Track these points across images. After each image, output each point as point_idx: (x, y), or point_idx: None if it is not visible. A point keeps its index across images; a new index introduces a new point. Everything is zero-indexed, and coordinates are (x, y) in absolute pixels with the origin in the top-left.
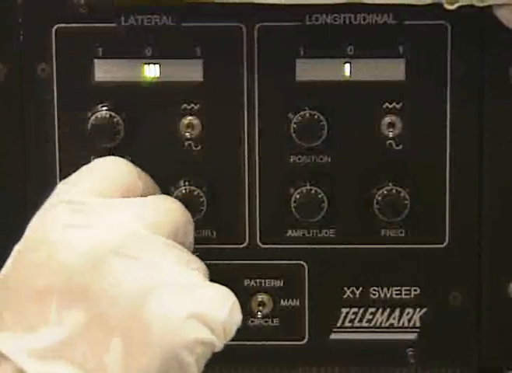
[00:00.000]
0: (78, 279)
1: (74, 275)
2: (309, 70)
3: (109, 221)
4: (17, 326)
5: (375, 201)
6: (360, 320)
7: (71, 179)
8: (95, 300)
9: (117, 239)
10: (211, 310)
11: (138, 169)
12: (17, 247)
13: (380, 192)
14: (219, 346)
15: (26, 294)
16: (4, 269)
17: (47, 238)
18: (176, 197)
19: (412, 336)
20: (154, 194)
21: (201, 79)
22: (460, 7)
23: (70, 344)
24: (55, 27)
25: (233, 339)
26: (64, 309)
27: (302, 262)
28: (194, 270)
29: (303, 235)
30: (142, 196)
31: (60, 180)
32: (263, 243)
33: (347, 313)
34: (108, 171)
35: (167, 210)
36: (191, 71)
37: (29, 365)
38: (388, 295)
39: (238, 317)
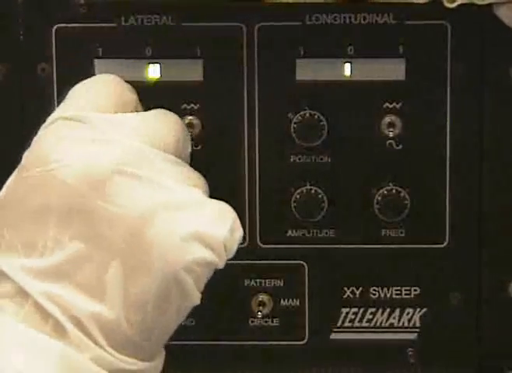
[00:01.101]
0: (77, 198)
1: (73, 194)
2: (309, 70)
3: (108, 137)
4: (17, 245)
5: (375, 201)
6: (360, 320)
7: (66, 98)
8: (95, 220)
9: (117, 156)
10: (211, 229)
11: (129, 85)
12: (18, 168)
13: (380, 192)
14: (220, 264)
15: (24, 213)
16: (3, 189)
17: (45, 155)
18: None
19: (412, 336)
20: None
21: (201, 79)
22: (460, 6)
23: (69, 264)
24: (55, 27)
25: (233, 339)
26: (64, 229)
27: (302, 262)
28: (193, 187)
29: (303, 235)
30: (137, 111)
31: None
32: (263, 243)
33: (347, 313)
34: (102, 86)
35: (166, 123)
36: (191, 71)
37: (29, 284)
38: (388, 295)
39: (239, 234)
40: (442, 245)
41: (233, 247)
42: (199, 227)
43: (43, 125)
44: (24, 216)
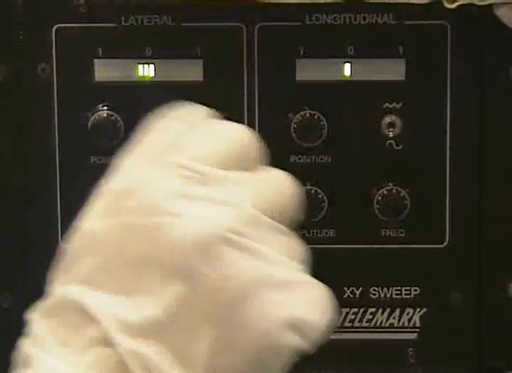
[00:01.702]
0: (182, 258)
1: (178, 253)
2: (309, 70)
3: (223, 198)
4: (111, 289)
5: (375, 201)
6: (360, 320)
7: (181, 139)
8: (194, 285)
9: (229, 222)
10: (311, 318)
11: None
12: (110, 203)
13: (380, 192)
14: (309, 350)
15: (125, 260)
16: (99, 223)
17: (157, 205)
18: None
19: (412, 336)
20: (263, 164)
21: (201, 79)
22: (460, 6)
23: (163, 325)
24: (55, 27)
25: None
26: (161, 286)
27: None
28: (296, 263)
29: (303, 235)
30: (255, 162)
31: (60, 180)
32: None
33: (347, 313)
34: (227, 139)
35: (285, 189)
36: (191, 71)
37: (118, 338)
38: (388, 295)
39: (331, 318)
40: (442, 245)
41: (324, 332)
42: (299, 314)
43: (150, 161)
44: (123, 264)
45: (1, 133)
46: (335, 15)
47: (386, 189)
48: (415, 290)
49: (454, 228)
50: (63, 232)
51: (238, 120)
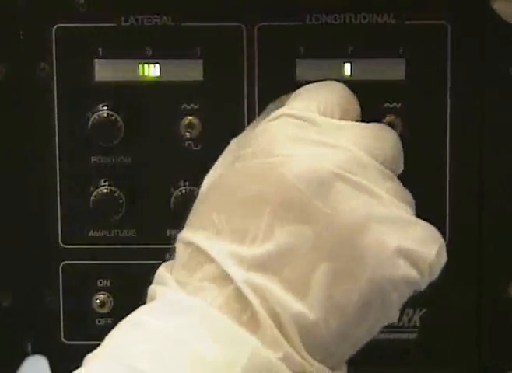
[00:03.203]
0: (297, 195)
1: (293, 190)
2: (309, 70)
3: (332, 141)
4: (226, 230)
5: None
6: None
7: (294, 94)
8: (311, 220)
9: (340, 161)
10: (420, 249)
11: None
12: (233, 154)
13: None
14: (422, 286)
15: (238, 201)
16: (220, 171)
17: (269, 148)
18: (176, 197)
19: (412, 336)
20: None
21: (201, 79)
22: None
23: (278, 258)
24: (55, 27)
25: None
26: (277, 221)
27: None
28: (405, 204)
29: None
30: (357, 116)
31: (60, 180)
32: None
33: None
34: (331, 91)
35: (386, 137)
36: (191, 71)
37: (234, 270)
38: None
39: (444, 259)
40: None
41: (437, 271)
42: (410, 245)
43: (267, 118)
44: (237, 203)
45: (1, 132)
46: (335, 15)
47: None
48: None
49: (454, 228)
50: (63, 232)
51: (238, 120)
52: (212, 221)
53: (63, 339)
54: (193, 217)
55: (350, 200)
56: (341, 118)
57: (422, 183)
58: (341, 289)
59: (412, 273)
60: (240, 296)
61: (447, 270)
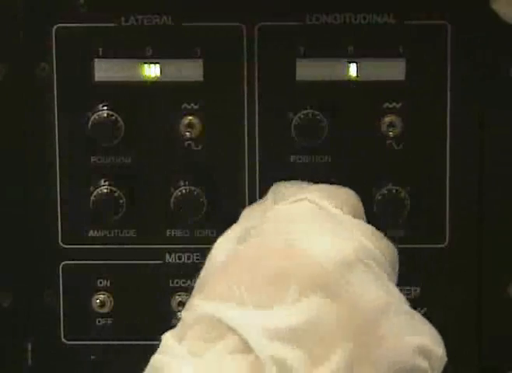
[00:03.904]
0: (322, 272)
1: (318, 268)
2: (309, 70)
3: (348, 233)
4: (248, 303)
5: (375, 201)
6: None
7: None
8: (335, 297)
9: (361, 251)
10: (431, 343)
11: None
12: (253, 230)
13: (380, 192)
14: None
15: (261, 273)
16: (236, 248)
17: (293, 226)
18: (176, 197)
19: None
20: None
21: (201, 79)
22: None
23: (300, 332)
24: (55, 27)
25: None
26: (303, 296)
27: None
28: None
29: None
30: (360, 217)
31: (60, 180)
32: None
33: None
34: (340, 190)
35: (389, 244)
36: (191, 71)
37: (257, 341)
38: None
39: (445, 359)
40: (442, 245)
41: (441, 368)
42: (426, 340)
43: (286, 201)
44: (260, 277)
45: (1, 133)
46: (335, 14)
47: (386, 189)
48: (415, 290)
49: (454, 228)
50: (63, 232)
51: (238, 120)
52: (233, 292)
53: (63, 339)
54: (208, 288)
55: (371, 285)
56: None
57: (422, 183)
58: (360, 371)
59: (426, 365)
60: (262, 368)
61: (447, 270)
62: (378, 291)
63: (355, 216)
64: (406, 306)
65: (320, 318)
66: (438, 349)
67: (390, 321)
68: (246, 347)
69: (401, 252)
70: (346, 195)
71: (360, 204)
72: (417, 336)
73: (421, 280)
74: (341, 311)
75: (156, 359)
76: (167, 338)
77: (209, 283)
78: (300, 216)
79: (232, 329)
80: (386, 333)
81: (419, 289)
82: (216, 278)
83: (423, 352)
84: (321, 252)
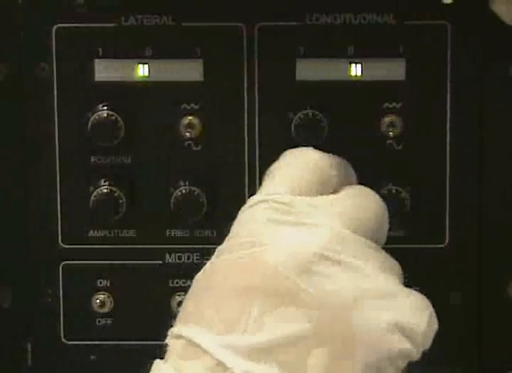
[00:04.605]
0: (283, 282)
1: (279, 278)
2: (309, 70)
3: (311, 221)
4: (216, 322)
5: None
6: None
7: (267, 176)
8: (299, 304)
9: (322, 242)
10: (411, 320)
11: (329, 155)
12: (219, 247)
13: (380, 192)
14: (416, 356)
15: (227, 292)
16: (206, 266)
17: (253, 238)
18: (176, 197)
19: None
20: (349, 181)
21: (201, 79)
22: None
23: (272, 346)
24: (55, 27)
25: None
26: (268, 310)
27: None
28: (392, 274)
29: None
30: (337, 184)
31: (60, 180)
32: None
33: None
34: (300, 167)
35: (367, 205)
36: (191, 71)
37: (230, 360)
38: None
39: (435, 326)
40: (442, 245)
41: (429, 339)
42: (401, 317)
43: (244, 207)
44: (227, 295)
45: (1, 133)
46: (335, 14)
47: (386, 189)
48: (415, 290)
49: (454, 228)
50: (63, 232)
51: (238, 120)
52: (202, 314)
53: (63, 339)
54: (183, 312)
55: (336, 279)
56: (319, 192)
57: (422, 183)
58: (340, 371)
59: (407, 345)
60: None
61: (447, 270)
62: (345, 286)
63: (326, 186)
64: (381, 282)
65: (289, 328)
66: (419, 323)
67: (360, 309)
68: (223, 366)
69: (401, 252)
70: (306, 169)
71: (328, 167)
72: (391, 314)
73: (421, 280)
74: (308, 316)
75: None
76: (157, 361)
77: (183, 307)
78: (257, 224)
79: (203, 350)
80: (358, 324)
81: (419, 289)
82: (188, 302)
83: (400, 330)
84: (279, 260)
